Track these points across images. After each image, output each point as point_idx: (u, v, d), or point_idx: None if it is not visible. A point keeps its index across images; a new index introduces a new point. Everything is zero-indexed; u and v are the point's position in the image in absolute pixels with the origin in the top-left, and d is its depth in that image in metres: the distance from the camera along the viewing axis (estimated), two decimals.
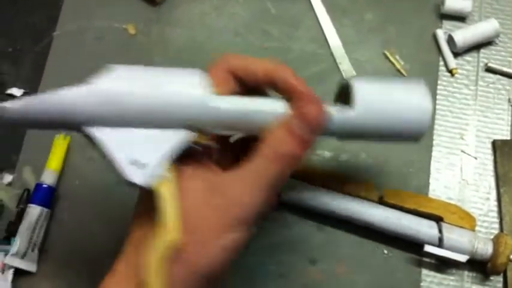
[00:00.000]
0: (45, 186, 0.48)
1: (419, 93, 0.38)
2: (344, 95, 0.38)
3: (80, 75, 0.51)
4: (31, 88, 0.52)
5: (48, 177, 0.48)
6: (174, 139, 0.33)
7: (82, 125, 0.33)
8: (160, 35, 0.54)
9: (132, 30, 0.54)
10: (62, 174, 0.49)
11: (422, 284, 0.47)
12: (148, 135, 0.33)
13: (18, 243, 0.45)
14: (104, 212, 0.49)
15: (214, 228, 0.30)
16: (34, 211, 0.46)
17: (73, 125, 0.33)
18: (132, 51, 0.53)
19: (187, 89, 0.34)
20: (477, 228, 0.48)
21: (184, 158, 0.33)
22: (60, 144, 0.50)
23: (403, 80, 0.39)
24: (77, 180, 0.50)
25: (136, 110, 0.33)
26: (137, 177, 0.32)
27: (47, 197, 0.48)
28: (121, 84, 0.33)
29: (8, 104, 0.32)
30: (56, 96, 0.32)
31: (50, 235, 0.48)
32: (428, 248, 0.45)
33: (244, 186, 0.31)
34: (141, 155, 0.32)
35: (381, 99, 0.37)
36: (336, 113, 0.36)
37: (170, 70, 0.35)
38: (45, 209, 0.47)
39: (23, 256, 0.46)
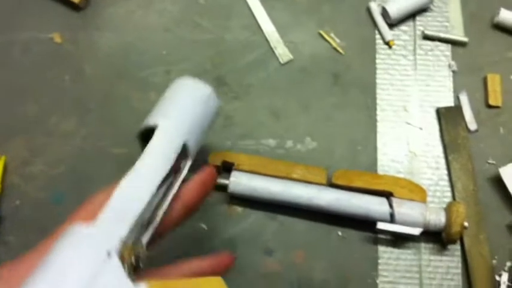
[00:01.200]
0: None
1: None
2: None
3: (10, 87, 0.51)
4: None
5: None
6: None
7: None
8: (88, 40, 0.52)
9: (58, 39, 0.52)
10: (1, 196, 0.48)
11: (379, 261, 0.46)
12: None
13: None
14: (49, 228, 0.47)
15: None
16: None
17: None
18: (61, 60, 0.51)
19: None
20: (430, 199, 0.48)
21: None
22: None
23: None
24: (18, 200, 0.48)
25: None
26: None
27: None
28: None
29: None
30: None
31: None
32: (380, 225, 0.45)
33: None
34: None
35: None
36: None
37: None
38: None
39: None
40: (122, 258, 0.29)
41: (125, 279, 0.29)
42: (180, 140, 0.36)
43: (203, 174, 0.35)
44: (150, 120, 0.36)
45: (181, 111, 0.37)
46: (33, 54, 0.52)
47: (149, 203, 0.34)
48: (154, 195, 0.34)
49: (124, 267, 0.29)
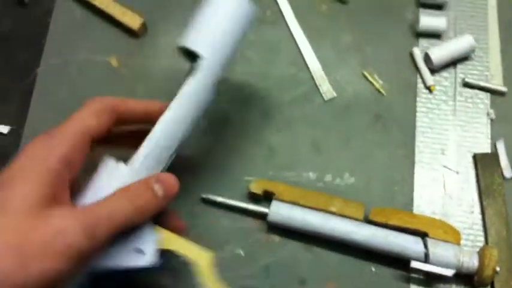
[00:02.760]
0: None
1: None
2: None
3: (65, 108, 0.53)
4: (18, 125, 0.53)
5: None
6: None
7: None
8: (142, 66, 0.55)
9: (114, 63, 0.55)
10: None
11: None
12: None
13: None
14: None
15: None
16: None
17: None
18: (115, 83, 0.54)
19: None
20: (463, 242, 0.49)
21: None
22: None
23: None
24: None
25: None
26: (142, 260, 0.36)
27: None
28: None
29: None
30: None
31: None
32: (414, 264, 0.46)
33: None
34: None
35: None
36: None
37: None
38: None
39: None
40: None
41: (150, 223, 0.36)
42: (221, 73, 0.40)
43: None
44: (195, 44, 0.39)
45: (226, 41, 0.40)
46: (89, 75, 0.55)
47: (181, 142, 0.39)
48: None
49: None
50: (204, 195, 0.50)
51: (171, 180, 0.37)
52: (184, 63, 0.50)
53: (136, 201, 0.34)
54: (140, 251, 0.35)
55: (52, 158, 0.33)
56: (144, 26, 0.56)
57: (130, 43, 0.56)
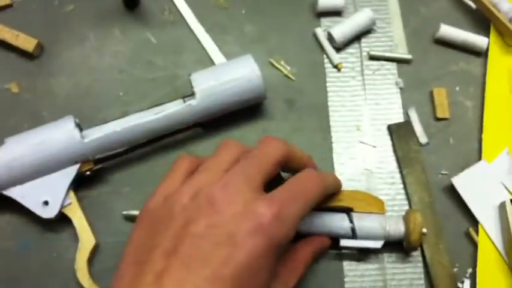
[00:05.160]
0: None
1: (245, 63, 0.49)
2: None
3: None
4: None
5: None
6: (68, 175, 0.46)
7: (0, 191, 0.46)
8: (44, 87, 0.53)
9: (15, 89, 0.53)
10: None
11: (345, 279, 0.47)
12: (49, 179, 0.46)
13: None
14: (19, 278, 0.47)
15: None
16: None
17: None
18: (19, 109, 0.52)
19: (61, 136, 0.46)
20: (388, 213, 0.49)
21: None
22: None
23: (234, 60, 0.50)
24: None
25: (32, 166, 0.45)
26: (48, 213, 0.45)
27: None
28: (14, 152, 0.45)
29: None
30: None
31: None
32: (343, 242, 0.46)
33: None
34: (48, 196, 0.46)
35: (215, 80, 0.48)
36: (182, 106, 0.47)
37: (48, 126, 0.47)
38: None
39: None
40: None
41: None
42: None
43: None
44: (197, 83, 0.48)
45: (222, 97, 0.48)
46: None
47: None
48: None
49: None
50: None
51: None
52: (86, 77, 0.50)
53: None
54: None
55: None
56: (39, 46, 0.54)
57: (28, 65, 0.54)
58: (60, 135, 0.46)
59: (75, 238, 0.47)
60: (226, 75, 0.48)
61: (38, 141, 0.45)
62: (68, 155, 0.46)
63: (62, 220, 0.47)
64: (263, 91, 0.49)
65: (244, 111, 0.51)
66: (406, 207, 0.50)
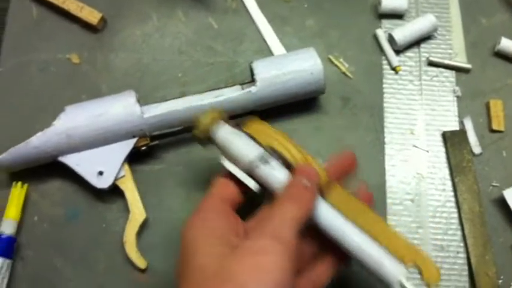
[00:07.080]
0: (5, 236, 0.46)
1: (307, 56, 0.49)
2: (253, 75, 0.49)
3: (28, 107, 0.52)
4: None
5: (8, 227, 0.46)
6: (124, 148, 0.47)
7: (57, 157, 0.46)
8: (104, 61, 0.54)
9: (75, 60, 0.53)
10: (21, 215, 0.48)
11: None
12: (105, 150, 0.46)
13: None
14: (66, 245, 0.48)
15: None
16: None
17: (50, 158, 0.46)
18: (78, 80, 0.53)
19: (122, 109, 0.46)
20: (437, 219, 0.49)
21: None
22: (17, 193, 0.48)
23: (295, 52, 0.50)
24: (36, 216, 0.48)
25: (90, 137, 0.46)
26: (103, 183, 0.46)
27: (7, 247, 0.46)
28: (74, 121, 0.45)
29: None
30: (33, 140, 0.45)
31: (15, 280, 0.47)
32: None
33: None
34: (103, 167, 0.46)
35: (277, 70, 0.48)
36: (242, 93, 0.47)
37: (109, 98, 0.47)
38: (7, 260, 0.45)
39: None
40: None
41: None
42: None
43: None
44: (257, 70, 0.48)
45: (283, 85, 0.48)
46: (50, 74, 0.53)
47: None
48: None
49: None
50: None
51: (306, 168, 0.38)
52: (146, 55, 0.50)
53: (298, 202, 0.35)
54: None
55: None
56: (103, 20, 0.54)
57: (90, 38, 0.54)
58: (121, 108, 0.46)
59: (124, 211, 0.47)
60: (288, 66, 0.48)
61: (99, 112, 0.46)
62: (127, 128, 0.46)
63: (114, 192, 0.47)
64: (323, 85, 0.49)
65: (298, 104, 0.51)
66: (455, 215, 0.49)
